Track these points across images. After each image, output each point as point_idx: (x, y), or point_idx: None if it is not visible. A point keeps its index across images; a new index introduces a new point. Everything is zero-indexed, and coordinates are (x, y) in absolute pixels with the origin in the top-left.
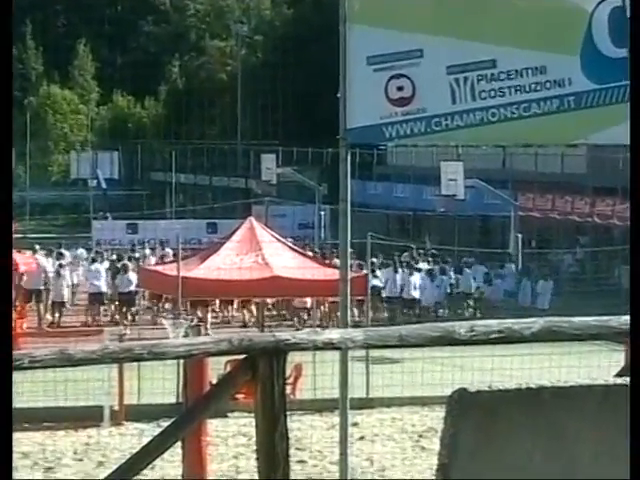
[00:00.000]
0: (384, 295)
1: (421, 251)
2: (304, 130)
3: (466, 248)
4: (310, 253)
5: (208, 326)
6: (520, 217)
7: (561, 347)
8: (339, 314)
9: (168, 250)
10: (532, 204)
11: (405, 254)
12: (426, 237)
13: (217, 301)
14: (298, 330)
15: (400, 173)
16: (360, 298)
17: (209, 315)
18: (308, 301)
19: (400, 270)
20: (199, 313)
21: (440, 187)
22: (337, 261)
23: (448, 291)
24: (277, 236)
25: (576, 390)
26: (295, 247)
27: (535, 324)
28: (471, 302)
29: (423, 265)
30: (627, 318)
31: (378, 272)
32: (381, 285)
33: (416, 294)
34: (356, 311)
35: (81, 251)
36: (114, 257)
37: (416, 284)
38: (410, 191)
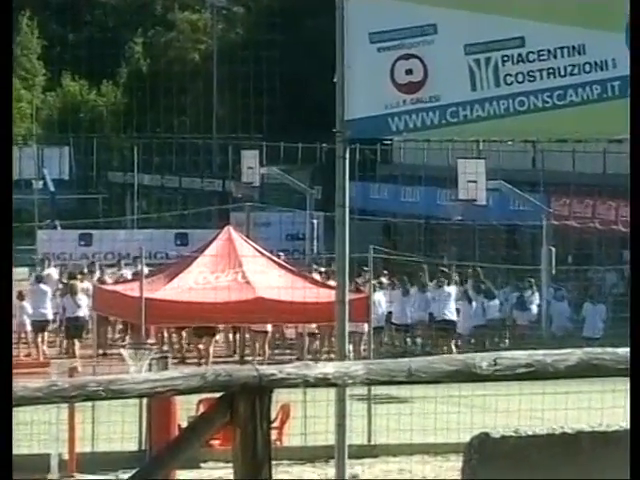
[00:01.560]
0: (393, 321)
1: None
2: (293, 122)
3: (488, 264)
4: (301, 270)
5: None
6: (554, 227)
7: (603, 384)
8: (336, 343)
9: (129, 266)
10: (568, 211)
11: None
12: (445, 252)
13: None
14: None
15: (409, 174)
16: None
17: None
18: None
19: (413, 291)
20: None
21: (457, 190)
22: (333, 280)
23: (484, 318)
24: (261, 249)
25: (620, 435)
26: (282, 263)
27: (571, 356)
28: (496, 331)
29: (448, 287)
30: None
31: (380, 293)
32: (383, 309)
33: (453, 317)
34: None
35: (22, 269)
36: (61, 274)
37: (449, 308)
38: (421, 195)
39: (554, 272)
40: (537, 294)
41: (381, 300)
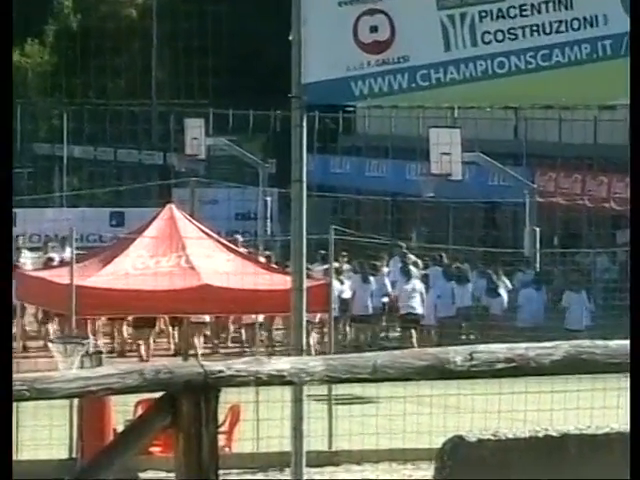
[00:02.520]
0: (355, 312)
1: (405, 251)
2: (244, 86)
3: (464, 246)
4: (252, 253)
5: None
6: (538, 204)
7: (593, 382)
8: (291, 336)
9: (57, 249)
10: (554, 187)
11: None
12: (413, 232)
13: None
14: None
15: (374, 145)
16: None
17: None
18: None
19: (374, 277)
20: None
21: (429, 164)
22: (289, 265)
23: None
24: (207, 230)
25: (612, 439)
26: (231, 245)
27: (557, 350)
28: (469, 321)
29: (416, 272)
30: None
31: (345, 279)
32: (349, 297)
33: (417, 307)
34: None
35: None
36: None
37: (414, 297)
38: (388, 169)
39: (538, 255)
40: (515, 279)
41: (340, 287)
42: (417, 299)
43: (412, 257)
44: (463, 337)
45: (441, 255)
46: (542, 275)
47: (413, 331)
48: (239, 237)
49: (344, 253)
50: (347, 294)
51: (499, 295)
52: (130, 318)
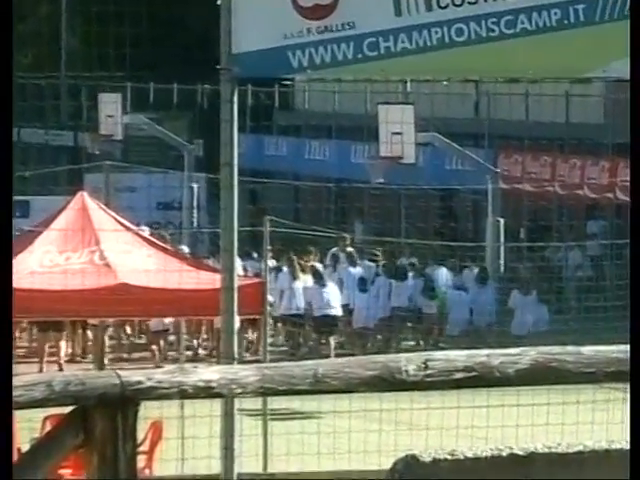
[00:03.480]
0: (287, 312)
1: (345, 244)
2: (166, 57)
3: (417, 240)
4: (176, 248)
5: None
6: (502, 192)
7: (564, 394)
8: (221, 342)
9: None
10: (521, 171)
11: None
12: (355, 223)
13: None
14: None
15: (315, 124)
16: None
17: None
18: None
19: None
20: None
21: (378, 145)
22: (218, 261)
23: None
24: (124, 222)
25: (585, 458)
26: (152, 239)
27: (523, 358)
28: (415, 325)
29: (355, 268)
30: None
31: (282, 277)
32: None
33: (335, 311)
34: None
35: None
36: None
37: (334, 296)
38: (332, 151)
39: (502, 249)
40: (475, 277)
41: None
42: (337, 300)
43: (350, 252)
44: (393, 343)
45: (378, 250)
46: (506, 272)
47: (330, 338)
48: (161, 229)
49: (280, 247)
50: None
51: (444, 294)
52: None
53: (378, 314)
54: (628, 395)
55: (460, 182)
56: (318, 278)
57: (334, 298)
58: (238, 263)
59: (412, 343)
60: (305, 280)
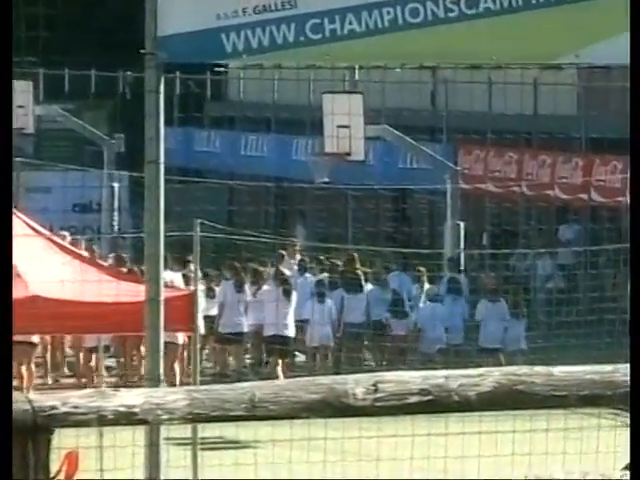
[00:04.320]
0: (221, 330)
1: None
2: (83, 41)
3: (366, 247)
4: (95, 255)
5: None
6: (463, 192)
7: (532, 420)
8: (145, 361)
9: None
10: (483, 169)
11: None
12: (297, 227)
13: None
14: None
15: (252, 116)
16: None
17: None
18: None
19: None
20: None
21: (322, 140)
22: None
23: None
24: (36, 226)
25: None
26: (68, 245)
27: (486, 379)
28: (381, 343)
29: (306, 278)
30: None
31: (217, 289)
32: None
33: (290, 333)
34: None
35: None
36: None
37: (289, 312)
38: (270, 147)
39: (462, 257)
40: (438, 288)
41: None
42: (289, 316)
43: (292, 260)
44: (345, 366)
45: (334, 258)
46: (460, 283)
47: (279, 359)
48: (78, 234)
49: (213, 254)
50: (215, 309)
51: (404, 312)
52: None
53: (336, 331)
54: (603, 422)
55: (415, 181)
56: (284, 286)
57: (290, 313)
58: (175, 275)
59: (377, 364)
60: (259, 290)
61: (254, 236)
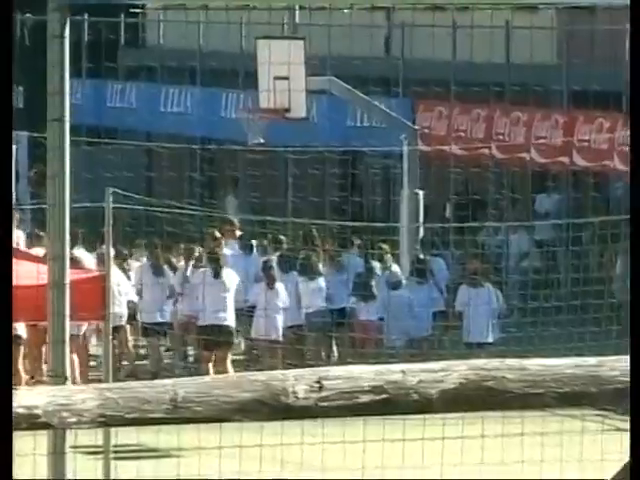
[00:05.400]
0: (143, 319)
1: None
2: None
3: (309, 220)
4: None
5: None
6: (422, 155)
7: (504, 423)
8: (51, 354)
9: None
10: (447, 128)
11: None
12: (228, 196)
13: None
14: None
15: (174, 66)
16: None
17: None
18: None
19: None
20: None
21: (257, 94)
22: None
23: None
24: None
25: None
26: None
27: (450, 375)
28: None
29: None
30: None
31: (133, 270)
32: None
33: (229, 321)
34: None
35: None
36: None
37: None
38: (195, 102)
39: (421, 232)
40: (396, 268)
41: (123, 282)
42: (228, 302)
43: (230, 240)
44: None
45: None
46: (425, 263)
47: (216, 354)
48: None
49: (128, 229)
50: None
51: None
52: None
53: (287, 321)
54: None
55: (366, 142)
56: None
57: (229, 298)
58: (84, 254)
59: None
60: (170, 275)
61: (177, 207)
